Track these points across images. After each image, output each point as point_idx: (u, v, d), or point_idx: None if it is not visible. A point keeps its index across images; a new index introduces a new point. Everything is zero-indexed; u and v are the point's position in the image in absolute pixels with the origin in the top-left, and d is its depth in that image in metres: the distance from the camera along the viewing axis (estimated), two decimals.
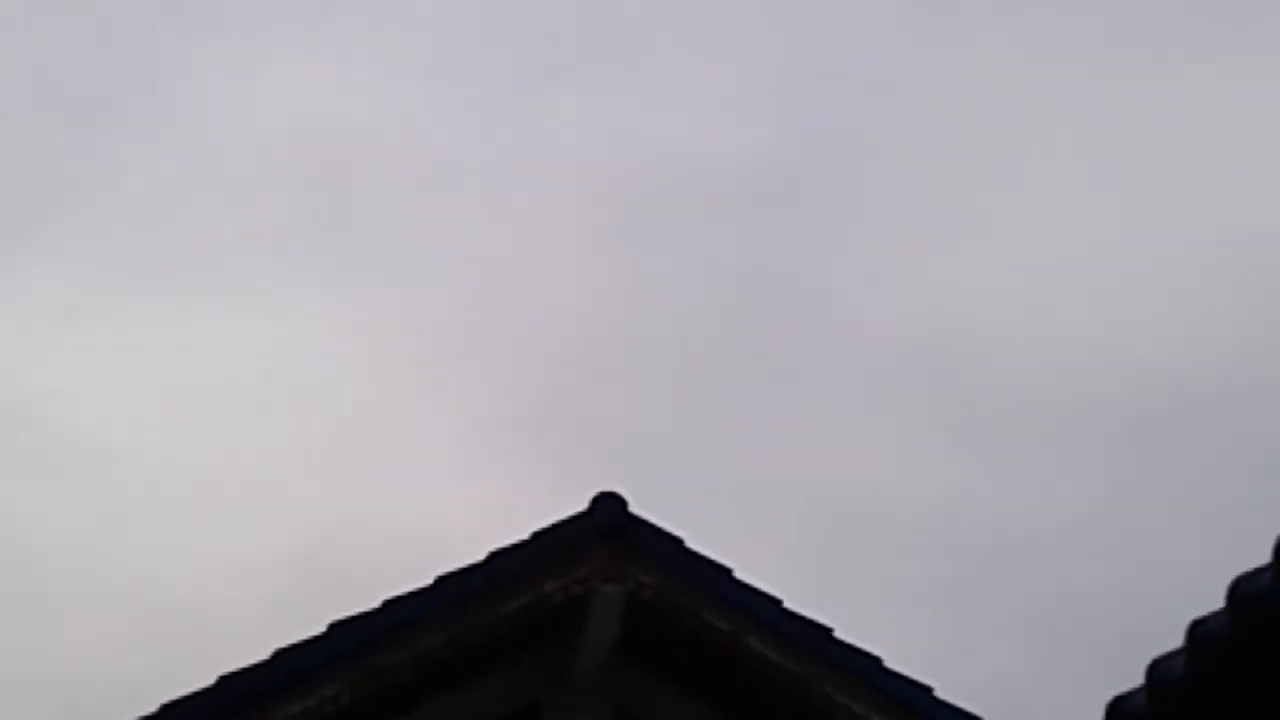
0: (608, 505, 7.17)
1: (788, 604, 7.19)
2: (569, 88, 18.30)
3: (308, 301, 17.92)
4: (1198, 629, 4.65)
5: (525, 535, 7.20)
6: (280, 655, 6.77)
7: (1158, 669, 4.73)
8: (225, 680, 6.67)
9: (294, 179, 17.96)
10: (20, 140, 17.69)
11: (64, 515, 17.05)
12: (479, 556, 7.15)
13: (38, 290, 17.45)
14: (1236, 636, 4.50)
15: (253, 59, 17.85)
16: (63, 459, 17.29)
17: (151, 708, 6.61)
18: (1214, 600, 4.65)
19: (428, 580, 7.08)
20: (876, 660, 7.10)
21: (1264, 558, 4.44)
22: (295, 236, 18.03)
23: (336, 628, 6.88)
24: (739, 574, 7.24)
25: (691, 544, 7.28)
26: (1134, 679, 4.99)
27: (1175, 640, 4.79)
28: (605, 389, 17.85)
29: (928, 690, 7.07)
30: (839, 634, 7.15)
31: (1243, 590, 4.47)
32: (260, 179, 17.88)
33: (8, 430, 17.05)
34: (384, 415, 17.86)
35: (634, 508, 7.24)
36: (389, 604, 6.98)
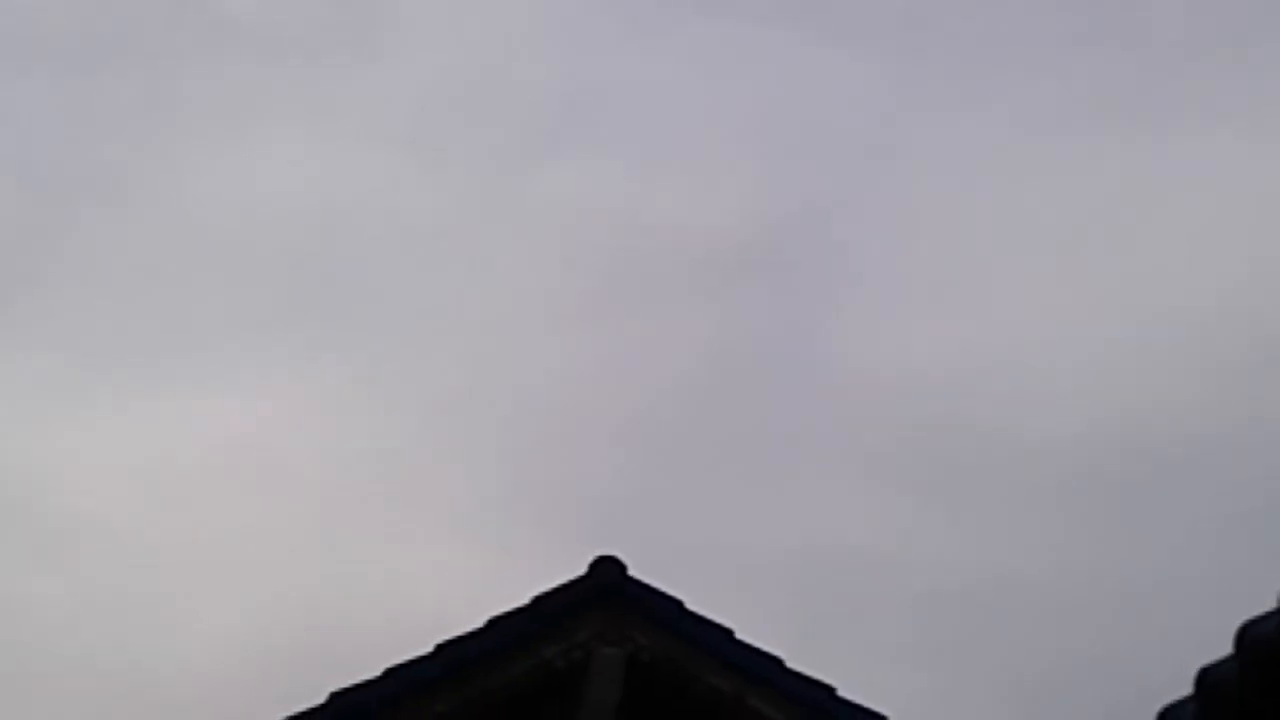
0: (606, 568, 7.17)
1: (789, 663, 7.18)
2: (551, 161, 18.42)
3: (294, 379, 17.92)
4: (1206, 676, 4.66)
5: (524, 600, 7.20)
6: None
7: (1169, 716, 4.73)
8: None
9: (279, 257, 18.01)
10: (5, 222, 17.75)
11: (47, 593, 16.95)
12: (479, 623, 7.14)
13: (20, 371, 17.44)
14: (1245, 682, 4.52)
15: (234, 137, 17.94)
16: (45, 538, 17.22)
17: None
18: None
19: (428, 648, 7.06)
20: (882, 718, 7.08)
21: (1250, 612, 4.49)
22: (280, 314, 18.06)
23: (338, 697, 6.85)
24: (739, 634, 7.23)
25: (691, 606, 7.28)
26: None
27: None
28: (593, 458, 17.86)
29: None
30: (841, 693, 7.14)
31: (1251, 635, 4.49)
32: (244, 257, 17.92)
33: None
34: (372, 490, 17.82)
35: (632, 571, 7.25)
36: (390, 672, 6.96)
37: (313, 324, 18.08)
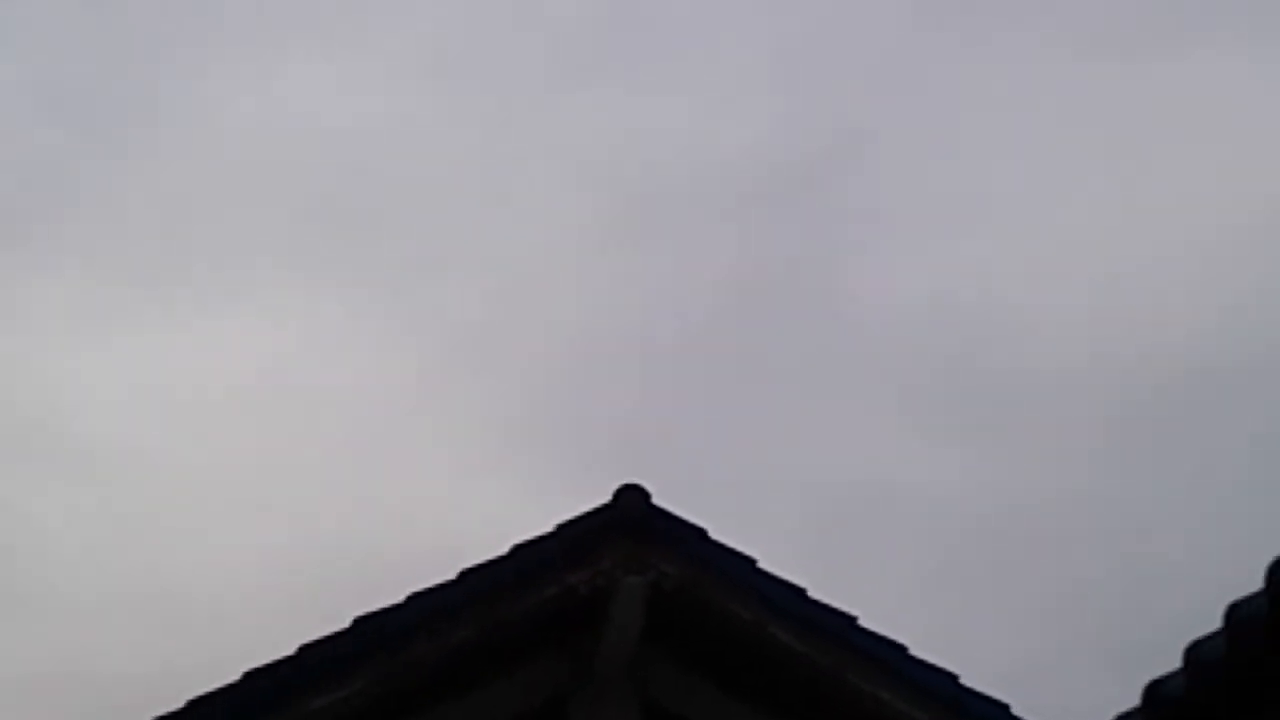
0: (630, 497, 7.15)
1: (811, 593, 7.18)
2: (574, 88, 18.33)
3: (319, 305, 17.93)
4: (1235, 611, 4.62)
5: (549, 528, 7.19)
6: (306, 650, 6.76)
7: (1195, 651, 4.70)
8: (251, 675, 6.66)
9: (304, 183, 17.99)
10: (29, 148, 17.73)
11: (79, 519, 17.07)
12: (502, 550, 7.14)
13: (51, 296, 17.47)
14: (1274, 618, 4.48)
15: (261, 64, 17.88)
16: (76, 463, 17.32)
17: (178, 704, 6.60)
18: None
19: (451, 574, 7.07)
20: (901, 648, 7.08)
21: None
22: (305, 241, 18.06)
23: (362, 622, 6.87)
24: (762, 564, 7.23)
25: (714, 535, 7.27)
26: (1156, 663, 4.96)
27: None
28: (619, 386, 17.86)
29: (953, 677, 7.06)
30: (863, 622, 7.14)
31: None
32: (271, 184, 17.91)
33: (22, 435, 17.08)
34: (397, 417, 17.86)
35: (657, 500, 7.23)
36: (413, 598, 6.97)
37: (337, 249, 18.09)
